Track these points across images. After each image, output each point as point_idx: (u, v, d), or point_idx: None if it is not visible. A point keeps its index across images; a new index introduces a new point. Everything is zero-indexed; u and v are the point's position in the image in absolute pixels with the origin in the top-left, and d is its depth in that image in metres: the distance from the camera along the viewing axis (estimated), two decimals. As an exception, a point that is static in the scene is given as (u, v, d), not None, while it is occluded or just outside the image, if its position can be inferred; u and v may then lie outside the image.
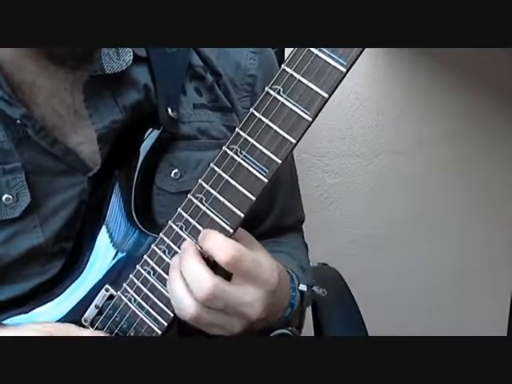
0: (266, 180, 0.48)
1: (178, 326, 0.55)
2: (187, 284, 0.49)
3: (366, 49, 0.46)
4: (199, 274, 0.49)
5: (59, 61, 0.56)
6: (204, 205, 0.51)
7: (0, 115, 0.56)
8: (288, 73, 0.47)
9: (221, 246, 0.49)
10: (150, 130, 0.60)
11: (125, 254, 0.58)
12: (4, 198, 0.57)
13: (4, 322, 0.58)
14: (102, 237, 0.59)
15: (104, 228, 0.59)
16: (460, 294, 1.55)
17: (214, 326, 0.51)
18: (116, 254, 0.59)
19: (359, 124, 1.45)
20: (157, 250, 0.53)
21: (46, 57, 0.55)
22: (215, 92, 0.65)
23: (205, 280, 0.48)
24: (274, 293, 0.51)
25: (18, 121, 0.56)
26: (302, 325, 0.65)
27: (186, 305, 0.50)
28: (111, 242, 0.59)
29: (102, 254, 0.59)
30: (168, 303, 0.53)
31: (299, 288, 0.62)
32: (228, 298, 0.49)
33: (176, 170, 0.62)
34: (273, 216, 0.73)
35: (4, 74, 0.55)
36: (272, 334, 0.63)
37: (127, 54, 0.58)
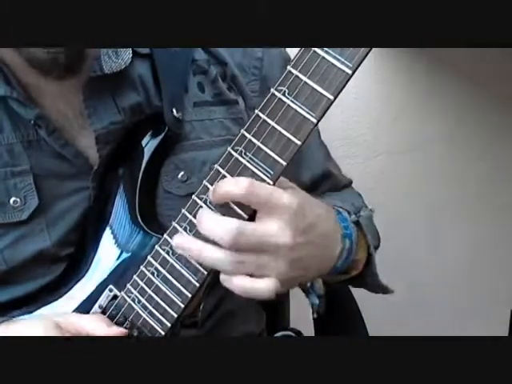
0: (270, 182, 0.48)
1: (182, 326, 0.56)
2: (212, 239, 0.47)
3: (368, 49, 0.46)
4: (217, 222, 0.47)
5: (42, 72, 0.54)
6: (208, 206, 0.51)
7: (11, 117, 0.56)
8: (293, 74, 0.47)
9: (234, 183, 0.47)
10: (155, 130, 0.60)
11: (129, 254, 0.59)
12: (12, 200, 0.57)
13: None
14: (106, 237, 0.59)
15: (108, 229, 0.59)
16: (461, 293, 1.56)
17: (258, 269, 0.48)
18: (120, 254, 0.59)
19: (359, 124, 1.45)
20: (160, 250, 0.53)
21: (31, 66, 0.54)
22: (219, 85, 0.65)
23: (225, 224, 0.46)
24: (298, 214, 0.48)
25: (32, 122, 0.56)
26: (371, 254, 0.64)
27: (220, 260, 0.47)
28: (115, 242, 0.59)
29: (107, 254, 0.59)
30: (171, 304, 0.53)
31: (351, 218, 0.60)
32: (254, 234, 0.47)
33: (182, 173, 0.62)
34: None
35: (12, 75, 0.55)
36: (274, 336, 0.63)
37: (126, 53, 0.58)
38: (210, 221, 0.48)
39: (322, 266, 0.53)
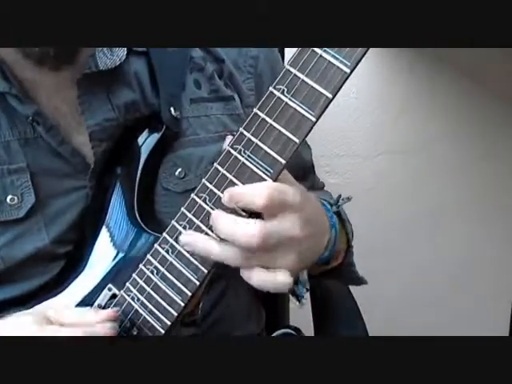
0: (270, 181, 0.48)
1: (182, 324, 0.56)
2: (233, 241, 0.47)
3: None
4: (239, 227, 0.46)
5: (37, 62, 0.54)
6: (208, 204, 0.50)
7: (7, 114, 0.56)
8: (292, 73, 0.47)
9: (256, 193, 0.46)
10: (151, 128, 0.60)
11: (127, 252, 0.58)
12: (8, 198, 0.57)
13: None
14: (103, 237, 0.59)
15: (104, 228, 0.59)
16: (461, 293, 1.55)
17: (271, 263, 0.48)
18: (117, 254, 0.59)
19: (359, 124, 1.45)
20: (160, 249, 0.53)
21: (25, 57, 0.53)
22: (215, 82, 0.65)
23: (248, 229, 0.46)
24: (303, 208, 0.48)
25: (30, 118, 0.56)
26: (350, 245, 0.66)
27: (232, 257, 0.47)
28: (112, 240, 0.59)
29: (103, 254, 0.59)
30: (171, 302, 0.53)
31: (333, 209, 0.62)
32: (274, 233, 0.47)
33: (180, 169, 0.62)
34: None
35: (9, 71, 0.55)
36: (274, 334, 0.63)
37: (120, 50, 0.58)
38: (231, 225, 0.47)
39: (314, 256, 0.54)
